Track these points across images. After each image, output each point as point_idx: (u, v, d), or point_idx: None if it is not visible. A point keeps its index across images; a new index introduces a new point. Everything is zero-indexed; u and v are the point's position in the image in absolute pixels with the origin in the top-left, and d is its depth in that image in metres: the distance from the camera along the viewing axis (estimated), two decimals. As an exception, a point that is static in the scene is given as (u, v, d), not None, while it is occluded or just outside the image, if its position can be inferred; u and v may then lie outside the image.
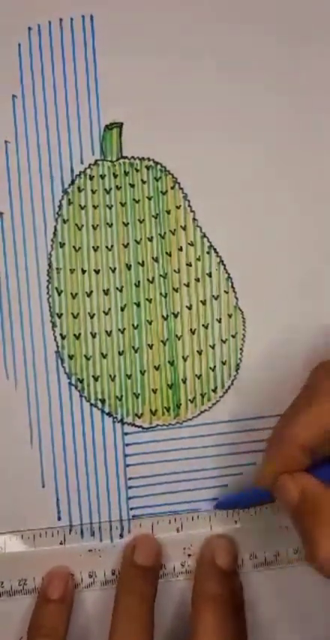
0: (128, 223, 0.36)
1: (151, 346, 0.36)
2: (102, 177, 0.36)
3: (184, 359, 0.37)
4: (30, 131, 0.36)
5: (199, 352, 0.37)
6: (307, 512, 0.29)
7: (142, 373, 0.36)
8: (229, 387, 0.37)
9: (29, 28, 0.35)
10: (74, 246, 0.36)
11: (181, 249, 0.36)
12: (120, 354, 0.36)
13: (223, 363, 0.37)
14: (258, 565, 0.37)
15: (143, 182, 0.36)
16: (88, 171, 0.36)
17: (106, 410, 0.36)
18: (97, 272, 0.36)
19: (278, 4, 0.36)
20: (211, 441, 0.37)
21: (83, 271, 0.36)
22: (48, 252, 0.36)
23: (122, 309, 0.36)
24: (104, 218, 0.36)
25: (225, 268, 0.36)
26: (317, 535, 0.28)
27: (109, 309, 0.36)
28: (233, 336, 0.37)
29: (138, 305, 0.36)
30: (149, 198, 0.36)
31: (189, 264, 0.36)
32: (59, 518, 0.36)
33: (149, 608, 0.34)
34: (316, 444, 0.30)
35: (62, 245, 0.36)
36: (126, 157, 0.36)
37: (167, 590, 0.37)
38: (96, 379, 0.36)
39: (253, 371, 0.36)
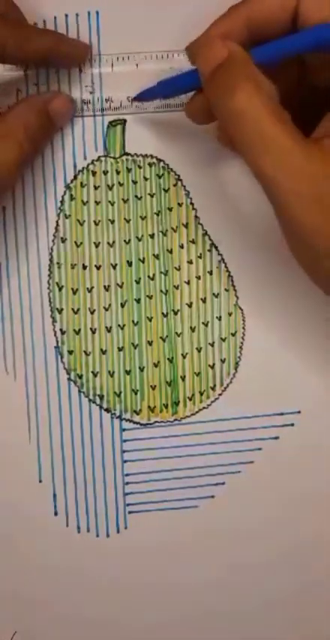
0: (130, 220, 0.36)
1: (150, 343, 0.36)
2: (105, 173, 0.36)
3: (184, 356, 0.37)
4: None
5: (199, 350, 0.37)
6: (231, 65, 0.28)
7: (141, 370, 0.37)
8: (227, 385, 0.37)
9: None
10: (76, 242, 0.36)
11: (182, 246, 0.36)
12: (119, 350, 0.36)
13: (222, 361, 0.37)
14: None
15: (146, 179, 0.36)
16: (91, 167, 0.36)
17: (105, 406, 0.37)
18: (98, 268, 0.36)
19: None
20: (209, 439, 0.37)
21: (84, 267, 0.36)
22: (49, 247, 0.36)
23: (122, 306, 0.36)
24: (106, 214, 0.36)
25: (226, 266, 0.37)
26: (237, 85, 0.27)
27: (110, 305, 0.36)
28: (233, 334, 0.37)
29: (138, 301, 0.36)
30: (151, 195, 0.36)
31: (190, 262, 0.36)
32: (56, 513, 0.37)
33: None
34: (267, 21, 0.29)
35: (64, 240, 0.36)
36: (129, 154, 0.36)
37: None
38: (95, 375, 0.36)
39: (252, 369, 0.37)
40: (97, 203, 0.36)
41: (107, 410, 0.37)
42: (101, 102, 0.35)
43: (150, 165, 0.36)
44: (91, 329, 0.36)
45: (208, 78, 0.29)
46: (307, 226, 0.27)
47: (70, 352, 0.36)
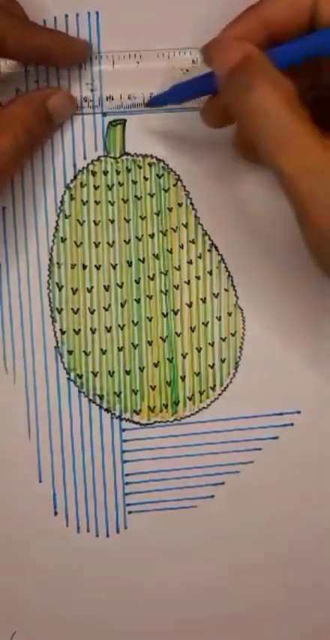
0: (130, 220, 0.36)
1: (150, 343, 0.37)
2: (105, 173, 0.36)
3: (183, 356, 0.37)
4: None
5: (199, 350, 0.37)
6: (248, 64, 0.27)
7: (141, 370, 0.37)
8: (227, 385, 0.37)
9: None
10: (75, 242, 0.36)
11: (182, 246, 0.36)
12: (119, 350, 0.36)
13: (222, 361, 0.37)
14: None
15: (145, 179, 0.36)
16: (91, 167, 0.36)
17: (105, 406, 0.37)
18: (98, 268, 0.36)
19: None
20: (209, 439, 0.37)
21: (84, 267, 0.36)
22: (49, 246, 0.36)
23: (122, 306, 0.36)
24: (106, 214, 0.36)
25: (226, 266, 0.37)
26: (257, 84, 0.27)
27: (110, 305, 0.36)
28: (233, 334, 0.37)
29: (138, 302, 0.36)
30: (151, 195, 0.36)
31: (190, 262, 0.36)
32: (55, 513, 0.37)
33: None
34: (284, 22, 0.29)
35: (64, 240, 0.36)
36: (129, 154, 0.36)
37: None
38: (95, 375, 0.36)
39: (252, 369, 0.37)
40: (97, 203, 0.36)
41: (107, 410, 0.37)
42: (102, 99, 0.35)
43: (150, 165, 0.36)
44: (90, 329, 0.36)
45: (224, 79, 0.29)
46: (327, 228, 0.26)
47: (70, 352, 0.36)
